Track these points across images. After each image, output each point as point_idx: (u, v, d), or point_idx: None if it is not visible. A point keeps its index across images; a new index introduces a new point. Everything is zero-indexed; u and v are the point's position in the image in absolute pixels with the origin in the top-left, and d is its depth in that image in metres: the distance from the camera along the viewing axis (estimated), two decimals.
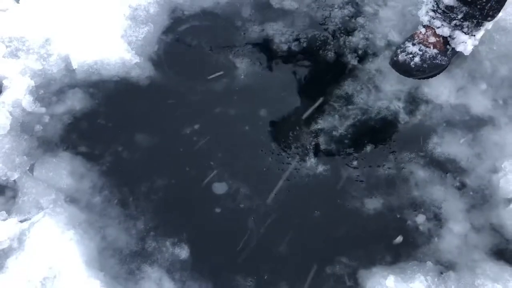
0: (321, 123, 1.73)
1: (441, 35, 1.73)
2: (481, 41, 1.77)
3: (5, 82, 1.63)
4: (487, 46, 1.81)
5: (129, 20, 1.78)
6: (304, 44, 1.87)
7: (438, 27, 1.72)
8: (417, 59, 1.73)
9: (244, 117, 1.76)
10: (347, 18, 1.92)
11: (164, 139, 1.71)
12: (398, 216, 1.57)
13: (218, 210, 1.61)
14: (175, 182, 1.64)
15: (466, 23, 1.67)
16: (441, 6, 1.67)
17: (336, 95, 1.78)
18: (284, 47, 1.87)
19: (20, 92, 1.61)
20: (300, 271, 1.52)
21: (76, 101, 1.69)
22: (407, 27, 1.88)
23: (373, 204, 1.59)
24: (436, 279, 1.44)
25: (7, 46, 1.69)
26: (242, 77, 1.82)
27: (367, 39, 1.87)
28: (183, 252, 1.52)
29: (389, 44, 1.86)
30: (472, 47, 1.73)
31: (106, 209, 1.55)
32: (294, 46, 1.87)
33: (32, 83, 1.64)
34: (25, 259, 1.38)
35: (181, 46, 1.86)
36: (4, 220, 1.45)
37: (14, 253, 1.40)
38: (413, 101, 1.77)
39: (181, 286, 1.48)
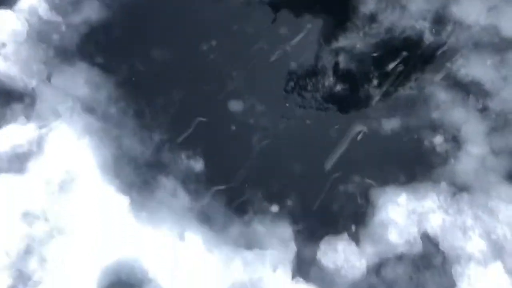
0: (343, 41, 1.67)
1: None
2: None
3: None
4: None
5: None
6: None
7: None
8: None
9: (262, 34, 1.71)
10: None
11: (181, 54, 1.68)
12: (416, 136, 1.54)
13: (233, 127, 1.60)
14: (192, 97, 1.63)
15: None
16: None
17: (360, 12, 1.70)
18: None
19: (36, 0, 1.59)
20: (312, 188, 1.52)
21: (92, 11, 1.67)
22: None
23: (390, 124, 1.56)
24: (448, 199, 1.43)
25: None
26: None
27: None
28: (198, 165, 1.54)
29: None
30: None
31: (122, 119, 1.56)
32: None
33: None
34: (44, 163, 1.42)
35: None
36: (23, 125, 1.48)
37: (33, 157, 1.44)
38: (441, 21, 1.68)
39: (195, 197, 1.50)
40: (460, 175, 1.48)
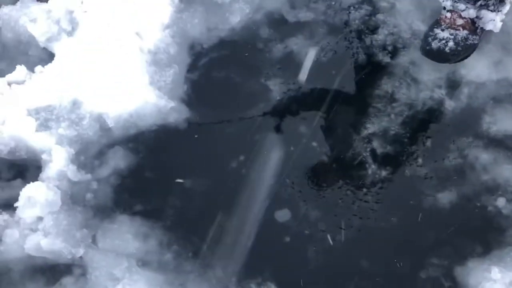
0: (371, 127, 1.69)
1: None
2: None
3: (43, 157, 1.54)
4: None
5: (152, 65, 1.71)
6: (332, 52, 1.83)
7: (463, 10, 1.70)
8: (451, 43, 1.71)
9: (288, 138, 1.71)
10: (366, 17, 1.88)
11: (216, 178, 1.64)
12: (478, 204, 1.53)
13: (287, 239, 1.55)
14: (237, 219, 1.57)
15: (491, 1, 1.65)
16: None
17: (377, 95, 1.74)
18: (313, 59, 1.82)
19: (61, 164, 1.53)
20: (392, 281, 1.46)
21: (119, 160, 1.62)
22: (427, 14, 1.86)
23: (448, 198, 1.55)
24: None
25: (36, 119, 1.59)
26: (278, 98, 1.76)
27: (392, 34, 1.84)
28: None
29: (414, 34, 1.83)
30: (501, 22, 1.71)
31: (181, 264, 1.48)
32: (322, 56, 1.82)
33: (72, 151, 1.56)
34: None
35: (210, 80, 1.80)
36: None
37: None
38: (455, 85, 1.74)
39: None
40: None
